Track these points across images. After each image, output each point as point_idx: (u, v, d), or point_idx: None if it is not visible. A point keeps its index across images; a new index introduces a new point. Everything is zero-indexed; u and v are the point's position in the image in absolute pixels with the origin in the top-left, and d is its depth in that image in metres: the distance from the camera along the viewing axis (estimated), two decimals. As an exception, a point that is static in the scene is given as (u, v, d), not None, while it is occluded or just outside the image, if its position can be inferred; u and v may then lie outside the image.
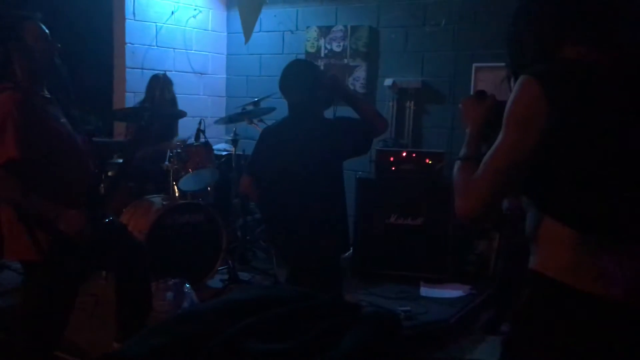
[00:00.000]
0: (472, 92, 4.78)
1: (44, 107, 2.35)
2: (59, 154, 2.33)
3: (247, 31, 5.32)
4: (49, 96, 2.40)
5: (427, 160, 4.56)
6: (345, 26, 5.28)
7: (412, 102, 5.05)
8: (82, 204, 2.34)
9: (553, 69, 1.24)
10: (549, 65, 1.26)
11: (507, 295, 3.70)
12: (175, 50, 5.49)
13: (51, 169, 2.31)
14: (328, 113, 3.06)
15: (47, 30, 2.38)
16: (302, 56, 5.49)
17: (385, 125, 3.06)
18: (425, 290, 4.27)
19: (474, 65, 4.77)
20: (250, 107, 4.84)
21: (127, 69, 5.17)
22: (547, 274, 1.26)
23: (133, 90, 5.11)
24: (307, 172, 2.87)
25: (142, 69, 5.19)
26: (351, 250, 4.63)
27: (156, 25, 5.35)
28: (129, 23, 5.16)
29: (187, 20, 5.59)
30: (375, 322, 0.98)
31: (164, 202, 4.10)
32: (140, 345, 1.05)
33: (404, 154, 4.61)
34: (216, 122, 5.04)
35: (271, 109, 4.68)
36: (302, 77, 2.96)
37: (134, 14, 5.18)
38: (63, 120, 2.40)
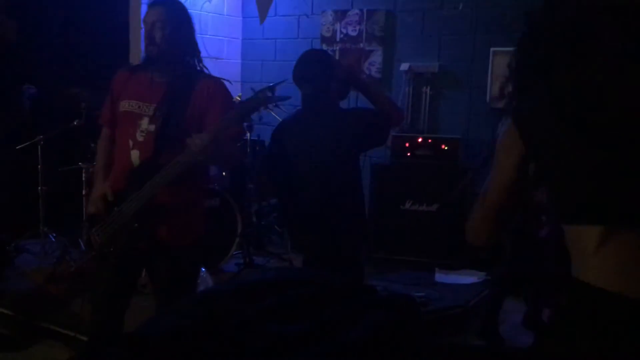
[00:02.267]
0: (489, 77, 4.73)
1: (133, 83, 2.35)
2: (115, 130, 2.41)
3: (263, 11, 5.28)
4: (155, 79, 2.33)
5: (442, 146, 4.53)
6: (362, 10, 5.24)
7: (429, 87, 5.00)
8: (121, 188, 2.28)
9: (530, 109, 1.33)
10: (530, 102, 1.35)
11: (516, 282, 3.67)
12: (191, 34, 5.48)
13: (114, 142, 2.42)
14: (344, 103, 3.00)
15: (170, 19, 2.35)
16: (318, 40, 5.47)
17: (401, 116, 3.03)
18: (440, 277, 4.27)
19: (492, 49, 4.71)
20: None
21: (142, 53, 5.16)
22: (590, 283, 1.22)
23: (149, 74, 5.12)
24: (322, 165, 2.83)
25: (157, 53, 5.20)
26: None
27: (171, 10, 5.33)
28: (145, 7, 5.15)
29: (202, 5, 5.57)
30: (393, 305, 0.97)
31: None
32: (157, 326, 1.05)
33: (420, 140, 4.58)
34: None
35: (287, 97, 4.66)
36: (315, 68, 2.88)
37: (149, -3, 5.17)
38: (136, 102, 2.31)
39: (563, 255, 1.34)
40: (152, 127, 2.26)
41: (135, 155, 2.27)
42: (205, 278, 3.65)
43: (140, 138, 2.27)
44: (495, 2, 4.66)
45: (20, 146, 4.03)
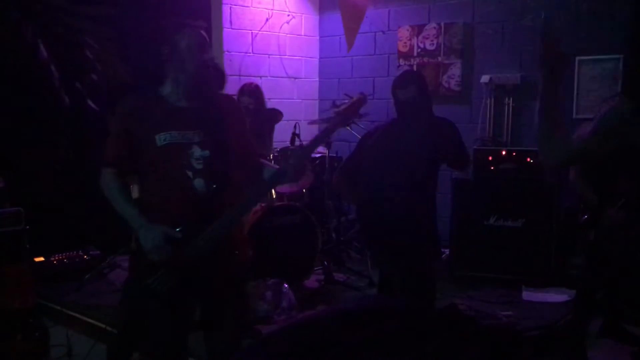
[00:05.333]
0: (575, 87, 4.55)
1: (161, 114, 2.17)
2: (151, 166, 2.20)
3: (350, 37, 5.33)
4: (185, 105, 2.21)
5: (527, 159, 4.39)
6: (439, 23, 5.19)
7: (511, 99, 4.87)
8: (177, 223, 2.12)
9: None
10: None
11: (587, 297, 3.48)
12: (270, 56, 5.62)
13: (147, 181, 2.23)
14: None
15: (204, 41, 2.24)
16: (395, 56, 5.46)
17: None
18: (527, 295, 4.10)
19: (577, 58, 4.53)
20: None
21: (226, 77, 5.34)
22: None
23: (231, 96, 5.29)
24: (408, 170, 2.89)
25: (239, 75, 5.36)
26: (448, 253, 4.53)
27: (251, 33, 5.50)
28: (226, 32, 5.34)
29: (280, 27, 5.71)
30: (493, 340, 0.94)
31: (262, 204, 4.21)
32: (257, 353, 1.05)
33: (503, 153, 4.45)
34: (309, 123, 5.12)
35: (364, 115, 4.69)
36: (418, 79, 3.12)
37: (230, 22, 5.36)
38: (178, 133, 2.16)
39: None
40: (207, 153, 2.18)
41: (200, 183, 2.16)
42: (287, 294, 3.70)
43: (198, 166, 2.17)
44: (579, 10, 4.49)
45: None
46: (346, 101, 2.28)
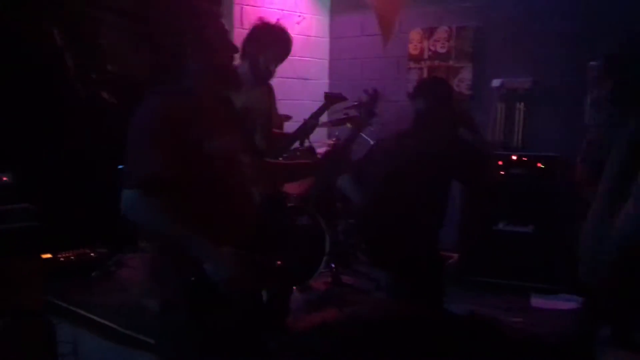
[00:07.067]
0: (589, 92, 4.50)
1: (204, 116, 1.79)
2: (206, 178, 1.78)
3: (387, 32, 5.24)
4: (218, 104, 1.89)
5: (538, 164, 4.35)
6: (450, 27, 5.16)
7: (522, 103, 4.83)
8: (239, 244, 1.77)
9: None
10: None
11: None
12: (280, 56, 5.60)
13: (200, 196, 1.77)
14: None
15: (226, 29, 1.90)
16: (405, 59, 5.43)
17: (493, 179, 3.11)
18: (536, 301, 4.07)
19: (591, 63, 4.49)
20: (351, 112, 4.84)
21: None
22: None
23: (240, 96, 5.28)
24: (408, 185, 2.83)
25: (248, 75, 5.34)
26: (456, 258, 4.49)
27: (262, 33, 5.48)
28: (237, 31, 5.33)
29: (291, 27, 5.69)
30: (514, 346, 0.91)
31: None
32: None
33: (514, 158, 4.42)
34: (320, 125, 5.09)
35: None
36: (432, 90, 2.97)
37: (241, 22, 5.35)
38: (230, 136, 1.85)
39: None
40: (255, 159, 2.06)
41: (257, 195, 2.02)
42: (294, 295, 3.68)
43: (253, 175, 2.04)
44: (595, 13, 4.45)
45: (122, 166, 4.24)
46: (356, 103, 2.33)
